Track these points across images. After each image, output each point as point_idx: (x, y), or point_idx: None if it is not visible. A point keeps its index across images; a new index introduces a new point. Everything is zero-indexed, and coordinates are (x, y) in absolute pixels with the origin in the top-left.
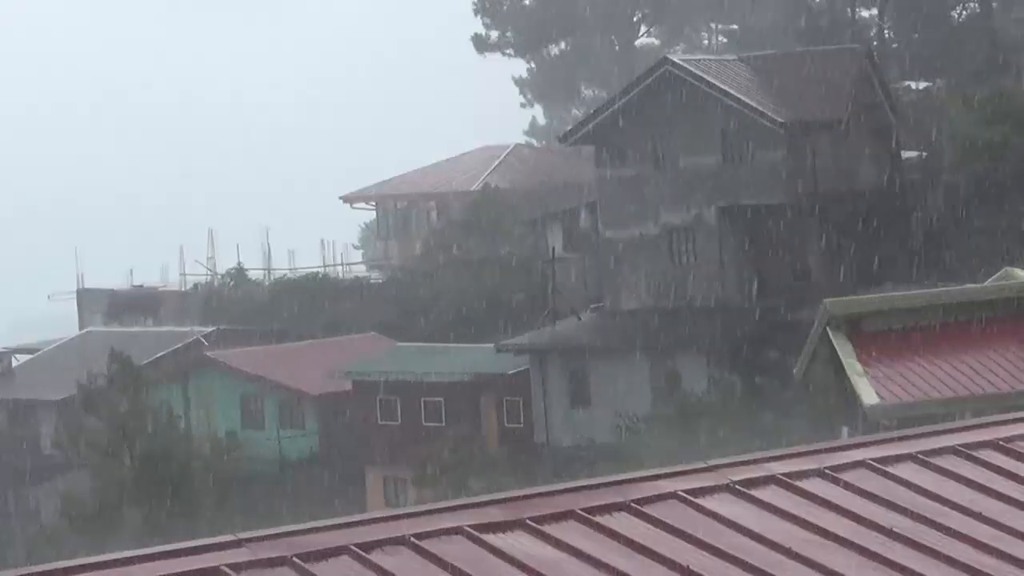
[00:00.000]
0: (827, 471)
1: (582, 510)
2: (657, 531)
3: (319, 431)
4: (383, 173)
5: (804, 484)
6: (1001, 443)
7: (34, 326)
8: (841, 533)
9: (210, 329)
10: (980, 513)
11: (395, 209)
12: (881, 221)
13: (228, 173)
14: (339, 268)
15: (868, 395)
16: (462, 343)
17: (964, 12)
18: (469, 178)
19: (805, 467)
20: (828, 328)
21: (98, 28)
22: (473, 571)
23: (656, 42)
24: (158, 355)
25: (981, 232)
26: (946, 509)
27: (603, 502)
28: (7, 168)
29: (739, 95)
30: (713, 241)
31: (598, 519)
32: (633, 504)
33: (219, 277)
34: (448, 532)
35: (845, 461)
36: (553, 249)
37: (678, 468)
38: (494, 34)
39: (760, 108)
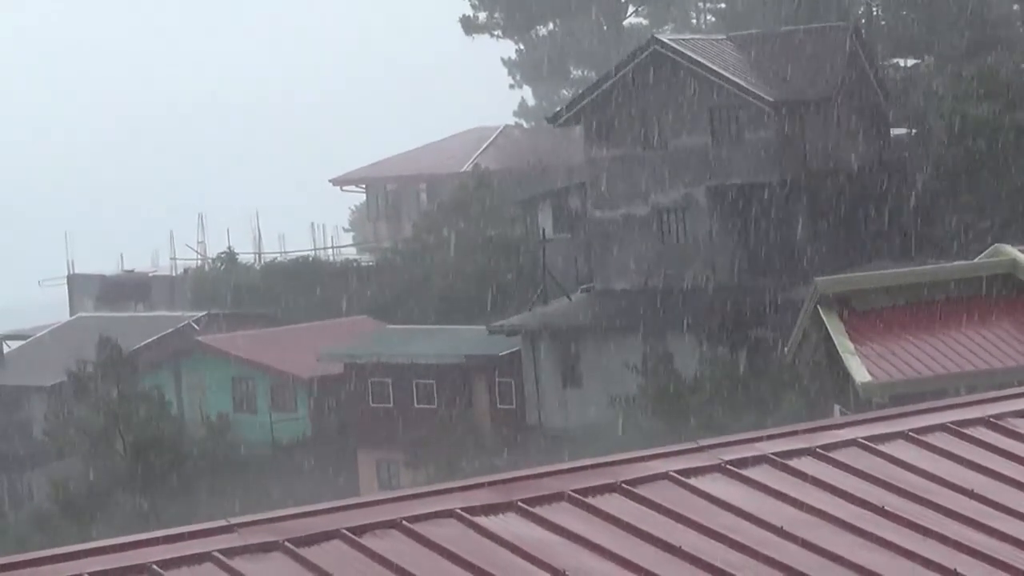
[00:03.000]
0: (819, 450)
1: (574, 492)
2: (649, 512)
3: (311, 414)
4: (373, 155)
5: (796, 463)
6: (992, 420)
7: (25, 312)
8: (833, 512)
9: (201, 313)
10: (971, 490)
11: (385, 191)
12: (871, 199)
13: (218, 157)
14: (329, 251)
15: (859, 373)
16: (453, 325)
17: None
18: (459, 160)
19: (797, 446)
20: (819, 306)
21: (88, 14)
22: (465, 554)
23: (645, 22)
24: (149, 340)
25: (971, 209)
26: (937, 487)
27: (595, 483)
28: None
29: (728, 74)
30: (703, 221)
31: (590, 500)
32: (625, 485)
33: (210, 261)
34: (440, 515)
35: (836, 440)
36: (543, 230)
37: (669, 448)
38: (482, 15)
39: (749, 87)
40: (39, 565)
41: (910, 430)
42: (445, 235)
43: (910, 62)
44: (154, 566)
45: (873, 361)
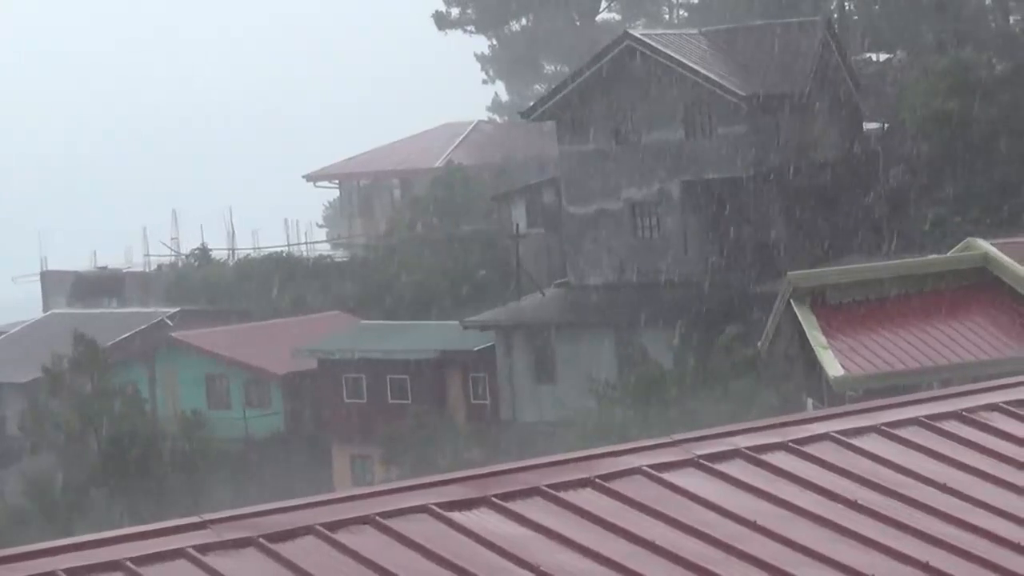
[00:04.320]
0: (792, 444)
1: (547, 487)
2: (622, 507)
3: (285, 410)
4: (346, 151)
5: (769, 458)
6: (965, 414)
7: None
8: (806, 506)
9: (175, 310)
10: (944, 484)
11: (358, 187)
12: (844, 193)
13: (191, 153)
14: (303, 247)
15: (832, 367)
16: (427, 320)
17: None
18: (432, 155)
19: (770, 440)
20: (792, 301)
21: (59, 11)
22: (438, 549)
23: (617, 17)
24: (123, 336)
25: (943, 203)
26: (911, 481)
27: (568, 478)
28: None
29: (701, 69)
30: (676, 215)
31: (563, 495)
32: (598, 480)
33: (183, 258)
34: (413, 510)
35: (810, 434)
36: (517, 225)
37: (643, 443)
38: (455, 11)
39: (722, 82)
40: (12, 562)
41: (883, 424)
42: (419, 231)
43: (883, 56)
44: (128, 562)
45: (846, 355)
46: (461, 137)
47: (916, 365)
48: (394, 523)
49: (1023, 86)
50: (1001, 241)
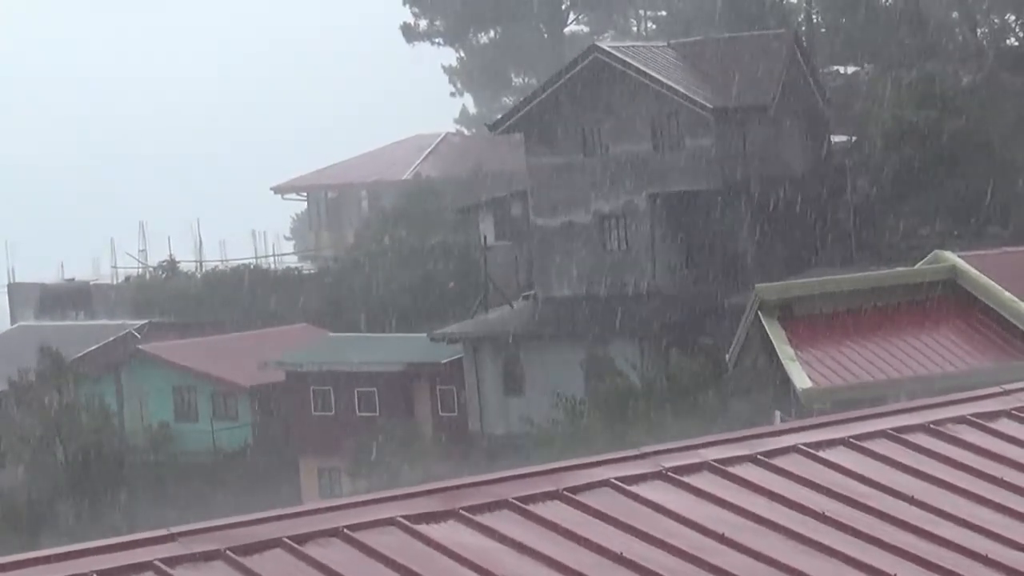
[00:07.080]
0: (760, 457)
1: (515, 499)
2: (590, 519)
3: (253, 422)
4: (314, 163)
5: (737, 470)
6: (932, 426)
7: None
8: (774, 518)
9: (142, 322)
10: (912, 496)
11: (326, 199)
12: (812, 205)
13: (158, 164)
14: (271, 259)
15: (800, 379)
16: (395, 332)
17: None
18: (400, 167)
19: (738, 453)
20: (760, 313)
21: (23, 15)
22: (406, 562)
23: (585, 29)
24: (90, 349)
25: (911, 215)
26: (878, 493)
27: (536, 491)
28: None
29: (668, 81)
30: (645, 228)
31: (531, 508)
32: (566, 492)
33: (151, 269)
34: (381, 523)
35: (777, 446)
36: (485, 238)
37: (611, 455)
38: (423, 23)
39: (689, 94)
40: None
41: (851, 436)
42: (386, 243)
43: (850, 69)
44: (95, 575)
45: (814, 367)
46: (429, 149)
47: (884, 377)
48: (362, 536)
49: (990, 98)
50: (969, 253)
